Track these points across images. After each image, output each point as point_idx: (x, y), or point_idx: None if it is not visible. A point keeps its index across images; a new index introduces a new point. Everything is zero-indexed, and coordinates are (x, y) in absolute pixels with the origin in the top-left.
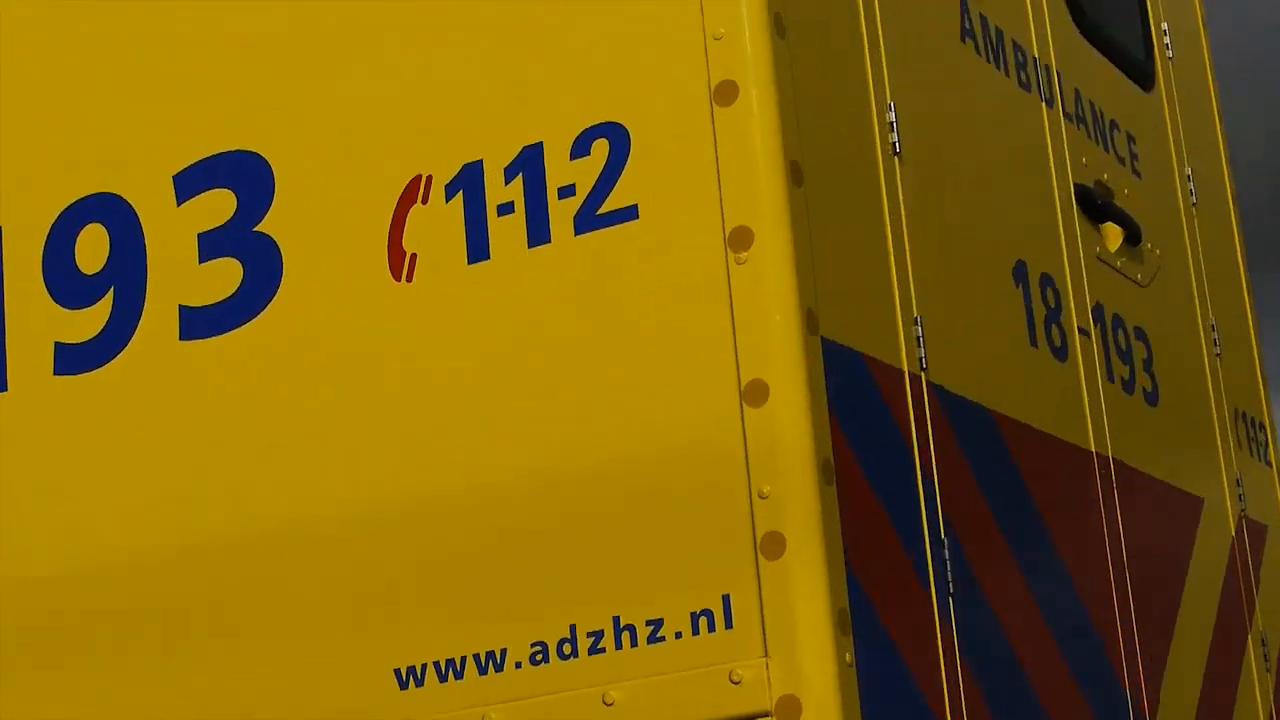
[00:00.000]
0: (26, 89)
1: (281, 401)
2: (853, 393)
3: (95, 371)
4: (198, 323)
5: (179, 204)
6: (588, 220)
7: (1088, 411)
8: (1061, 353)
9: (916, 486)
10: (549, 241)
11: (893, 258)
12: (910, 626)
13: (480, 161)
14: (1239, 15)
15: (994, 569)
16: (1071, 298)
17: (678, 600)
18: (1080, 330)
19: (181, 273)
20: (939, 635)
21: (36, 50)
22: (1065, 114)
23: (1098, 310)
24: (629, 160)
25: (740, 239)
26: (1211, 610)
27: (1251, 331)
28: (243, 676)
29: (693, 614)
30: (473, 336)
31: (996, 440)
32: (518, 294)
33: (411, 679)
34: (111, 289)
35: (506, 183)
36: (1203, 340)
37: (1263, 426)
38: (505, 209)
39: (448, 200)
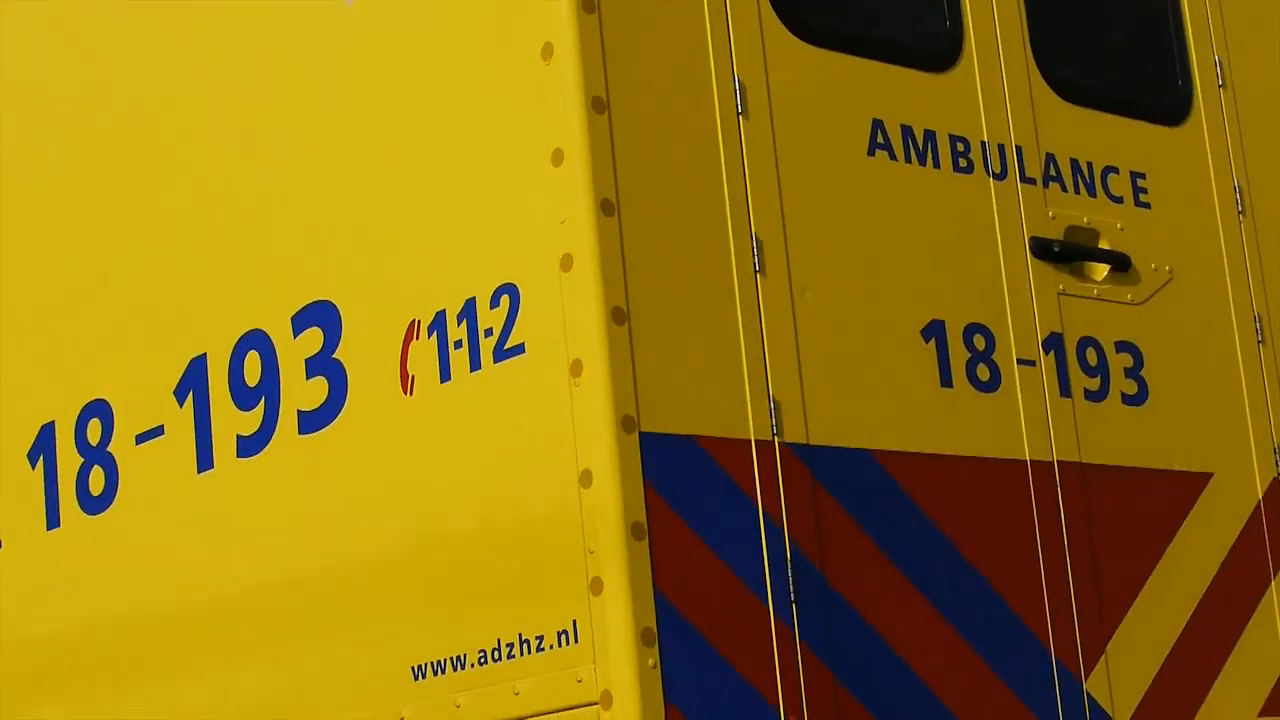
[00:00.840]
0: (210, 251)
1: (347, 481)
2: (677, 466)
3: (256, 456)
4: (306, 423)
5: (294, 337)
6: (500, 354)
7: (1024, 428)
8: (990, 385)
9: (758, 526)
10: (480, 369)
11: (745, 357)
12: (738, 635)
13: (444, 310)
14: None
15: (862, 577)
16: (1012, 337)
17: (551, 623)
18: (1021, 361)
19: (297, 386)
20: (774, 638)
21: (206, 224)
22: (1025, 179)
23: (1054, 339)
24: (520, 310)
25: (576, 369)
26: (1212, 564)
27: None
28: (321, 665)
29: (559, 632)
30: (440, 435)
31: (877, 472)
32: (463, 405)
33: (419, 673)
34: (263, 397)
35: (457, 325)
36: (1236, 334)
37: None
38: (458, 344)
39: (428, 337)
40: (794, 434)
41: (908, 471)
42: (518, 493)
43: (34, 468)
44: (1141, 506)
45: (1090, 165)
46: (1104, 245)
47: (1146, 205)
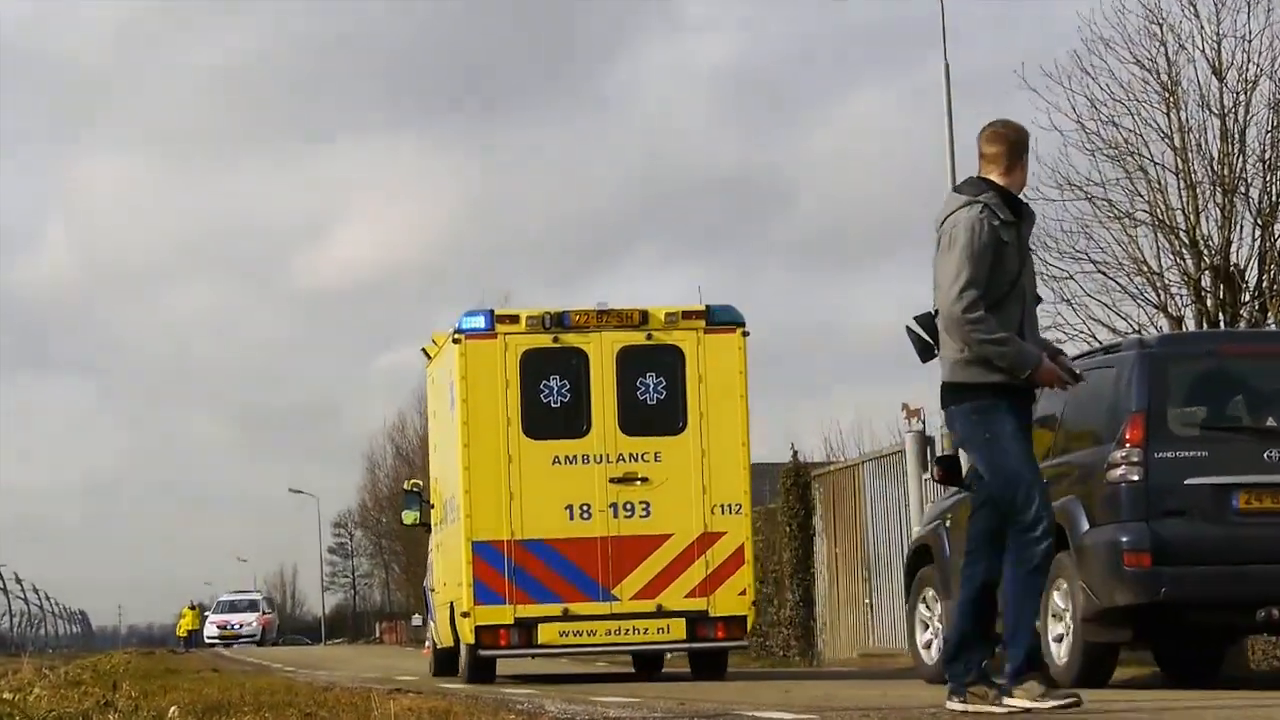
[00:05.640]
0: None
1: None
2: (484, 549)
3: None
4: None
5: (443, 499)
6: (454, 520)
7: (596, 527)
8: (587, 518)
9: (505, 563)
10: (455, 521)
11: (509, 521)
12: (496, 584)
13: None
14: None
15: (535, 570)
16: (595, 505)
17: (462, 587)
18: (600, 511)
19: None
20: (506, 584)
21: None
22: (609, 461)
23: (613, 504)
24: (458, 505)
25: (460, 525)
26: (669, 559)
27: (743, 472)
28: None
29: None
30: (451, 536)
31: (548, 549)
32: (452, 531)
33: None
34: (452, 508)
35: (448, 505)
36: (692, 487)
37: (739, 505)
38: (449, 511)
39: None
40: (519, 535)
41: (553, 542)
42: (459, 554)
43: (442, 505)
44: (641, 545)
45: (635, 452)
46: (639, 475)
47: (659, 460)
